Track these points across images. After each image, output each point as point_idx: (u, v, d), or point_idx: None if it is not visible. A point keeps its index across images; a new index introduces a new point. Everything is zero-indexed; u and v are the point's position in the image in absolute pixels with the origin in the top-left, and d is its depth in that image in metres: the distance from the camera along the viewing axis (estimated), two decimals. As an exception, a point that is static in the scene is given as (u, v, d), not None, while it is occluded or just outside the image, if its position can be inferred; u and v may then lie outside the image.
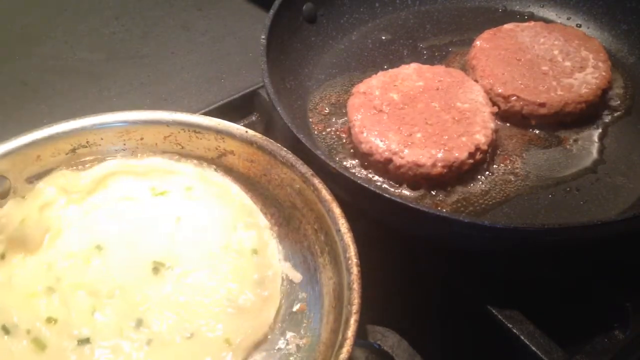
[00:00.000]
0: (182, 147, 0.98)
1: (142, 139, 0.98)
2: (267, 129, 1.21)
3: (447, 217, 0.81)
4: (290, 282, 0.88)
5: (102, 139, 0.97)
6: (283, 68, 1.14)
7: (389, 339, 0.84)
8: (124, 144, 0.98)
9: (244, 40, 1.43)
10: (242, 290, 0.86)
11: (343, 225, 0.81)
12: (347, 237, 0.80)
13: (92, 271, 0.87)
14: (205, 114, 1.15)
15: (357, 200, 0.92)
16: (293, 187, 0.90)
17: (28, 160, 0.94)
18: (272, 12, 1.13)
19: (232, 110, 1.21)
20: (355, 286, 0.76)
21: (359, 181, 0.86)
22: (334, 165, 0.88)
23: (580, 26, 1.31)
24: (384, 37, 1.31)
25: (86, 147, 0.97)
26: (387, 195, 0.83)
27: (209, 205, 0.95)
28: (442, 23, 1.35)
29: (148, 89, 1.34)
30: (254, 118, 1.22)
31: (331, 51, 1.27)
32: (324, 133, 1.11)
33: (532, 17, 1.34)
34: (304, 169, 0.88)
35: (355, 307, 0.74)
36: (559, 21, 1.33)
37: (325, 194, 0.84)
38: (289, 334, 0.83)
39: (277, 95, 0.98)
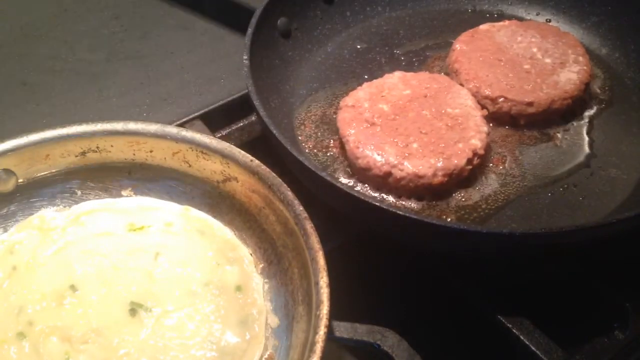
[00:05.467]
0: (190, 166, 0.95)
1: (151, 151, 0.96)
2: (266, 130, 1.18)
3: (470, 230, 0.80)
4: (268, 325, 0.85)
5: (112, 146, 0.95)
6: (265, 87, 1.10)
7: (388, 339, 0.83)
8: (134, 154, 0.96)
9: (243, 41, 1.41)
10: (225, 331, 0.82)
11: (322, 279, 0.76)
12: (324, 293, 0.74)
13: (65, 314, 0.83)
14: (205, 114, 1.18)
15: (365, 219, 0.91)
16: (286, 227, 0.86)
17: (36, 158, 0.94)
18: (250, 30, 1.10)
19: (231, 110, 1.20)
20: (317, 349, 0.70)
21: (369, 200, 0.84)
22: (340, 186, 0.86)
23: (550, 21, 1.33)
24: (359, 46, 1.29)
25: (96, 152, 0.96)
26: (402, 213, 0.81)
27: (190, 240, 0.92)
28: (415, 27, 1.34)
29: (148, 89, 1.33)
30: (253, 118, 1.20)
31: (309, 65, 1.25)
32: (315, 150, 1.08)
33: (502, 15, 1.35)
34: (299, 209, 0.83)
35: None
36: (528, 17, 1.34)
37: (314, 241, 0.79)
38: None
39: (270, 119, 0.95)
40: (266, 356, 0.82)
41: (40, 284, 0.85)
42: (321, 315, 0.72)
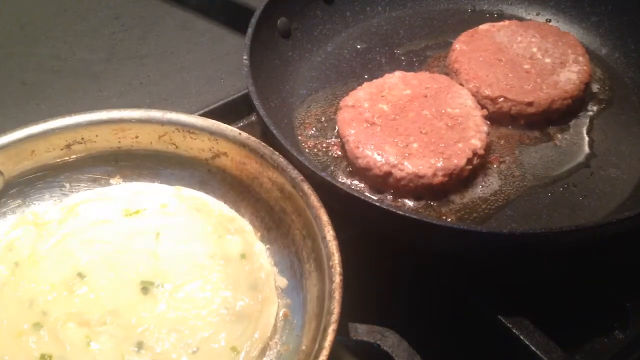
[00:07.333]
0: (177, 147, 0.97)
1: (137, 137, 0.97)
2: (266, 130, 1.19)
3: (470, 230, 0.80)
4: (277, 287, 0.88)
5: (97, 135, 0.96)
6: (265, 87, 1.10)
7: (388, 339, 0.83)
8: (119, 142, 0.97)
9: (243, 41, 1.42)
10: (237, 297, 0.85)
11: (329, 232, 0.80)
12: (332, 245, 0.78)
13: (78, 300, 0.84)
14: (205, 113, 1.18)
15: (365, 218, 0.91)
16: (283, 191, 0.89)
17: (22, 155, 0.94)
18: (250, 30, 1.10)
19: (231, 110, 1.21)
20: (336, 295, 0.74)
21: (368, 199, 0.84)
22: (340, 186, 0.86)
23: (550, 21, 1.33)
24: (359, 46, 1.29)
25: (81, 143, 0.96)
26: (402, 213, 0.81)
27: (188, 218, 0.94)
28: (415, 27, 1.34)
29: (148, 89, 1.33)
30: (253, 118, 1.21)
31: (309, 65, 1.25)
32: (315, 150, 1.08)
33: (501, 16, 1.35)
34: (294, 173, 0.86)
35: (334, 317, 0.72)
36: (528, 17, 1.35)
37: (314, 200, 0.83)
38: (271, 341, 0.83)
39: (270, 119, 0.95)
40: (281, 315, 0.85)
41: (47, 276, 0.86)
42: (334, 265, 0.76)
